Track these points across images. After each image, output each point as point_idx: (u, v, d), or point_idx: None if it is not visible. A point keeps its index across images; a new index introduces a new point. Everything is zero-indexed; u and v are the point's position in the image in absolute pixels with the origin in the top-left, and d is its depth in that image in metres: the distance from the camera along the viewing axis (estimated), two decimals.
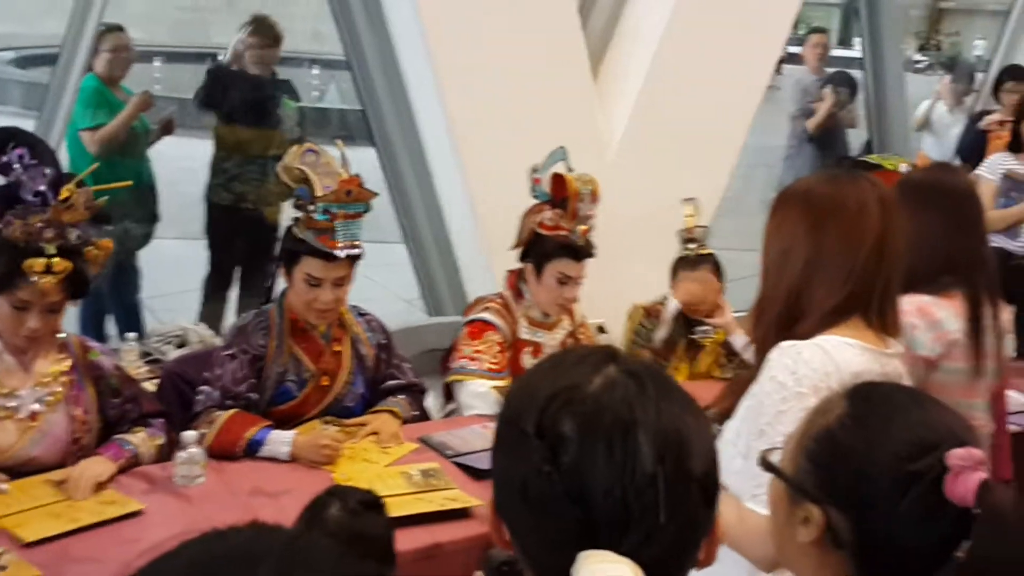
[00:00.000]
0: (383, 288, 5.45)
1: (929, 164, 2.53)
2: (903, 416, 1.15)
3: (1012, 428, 2.78)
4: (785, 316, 1.73)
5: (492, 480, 0.95)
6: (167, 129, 4.45)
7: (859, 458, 1.12)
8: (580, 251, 2.94)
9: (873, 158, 3.32)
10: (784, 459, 1.20)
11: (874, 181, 1.79)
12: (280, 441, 2.50)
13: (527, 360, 3.00)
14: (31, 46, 12.59)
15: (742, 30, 4.23)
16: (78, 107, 4.17)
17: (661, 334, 3.31)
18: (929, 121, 6.19)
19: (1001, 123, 5.11)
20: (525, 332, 3.03)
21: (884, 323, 1.73)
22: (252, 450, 2.49)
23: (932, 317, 2.32)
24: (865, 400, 1.19)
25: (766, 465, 1.20)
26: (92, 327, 4.24)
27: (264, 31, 4.52)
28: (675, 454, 0.88)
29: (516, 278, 3.05)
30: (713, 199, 4.42)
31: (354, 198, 2.57)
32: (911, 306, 2.31)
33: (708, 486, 0.91)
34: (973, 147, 5.30)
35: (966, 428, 1.15)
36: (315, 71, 11.08)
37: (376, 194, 2.66)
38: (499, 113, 3.88)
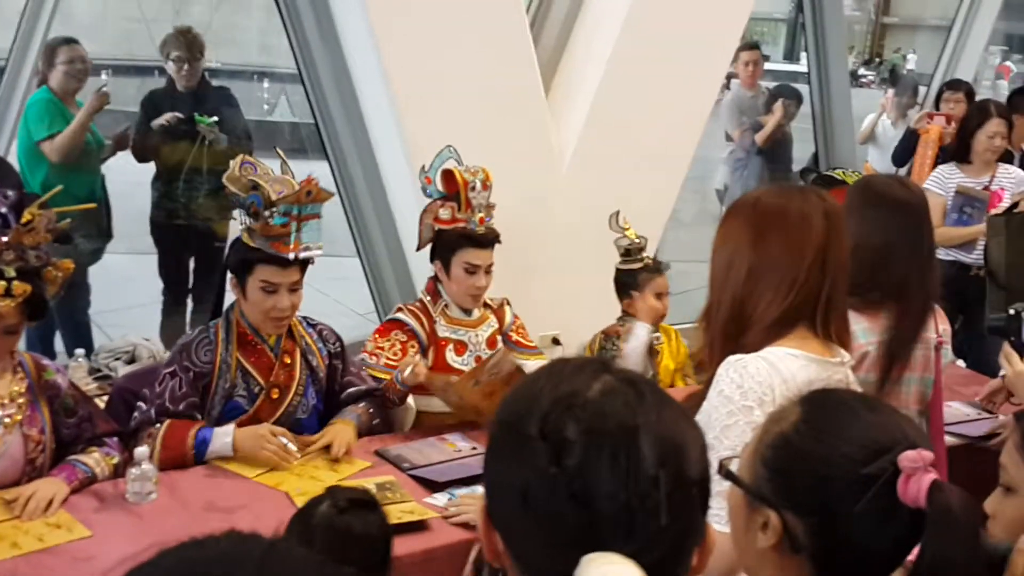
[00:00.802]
0: (336, 303, 5.42)
1: (885, 175, 2.59)
2: (857, 420, 1.17)
3: (949, 440, 2.81)
4: (731, 325, 1.76)
5: (484, 489, 0.95)
6: (121, 144, 4.41)
7: (815, 462, 1.15)
8: (481, 239, 2.99)
9: (838, 173, 3.40)
10: (742, 467, 1.22)
11: (821, 194, 1.82)
12: (222, 433, 2.52)
13: (451, 357, 3.06)
14: None
15: (691, 44, 4.29)
16: (30, 120, 4.13)
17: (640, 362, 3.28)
18: (874, 134, 6.32)
19: (930, 116, 5.25)
20: (445, 330, 3.07)
21: (830, 332, 1.75)
22: (200, 453, 2.49)
23: None
24: (819, 406, 1.21)
25: (724, 473, 1.22)
26: (40, 344, 4.17)
27: (183, 44, 4.48)
28: (675, 459, 0.90)
29: (435, 281, 3.11)
30: (664, 211, 4.47)
31: (313, 198, 2.59)
32: None
33: (704, 491, 0.93)
34: (905, 148, 5.48)
35: (918, 431, 1.19)
36: (265, 84, 11.01)
37: (332, 194, 2.70)
38: (452, 126, 3.88)
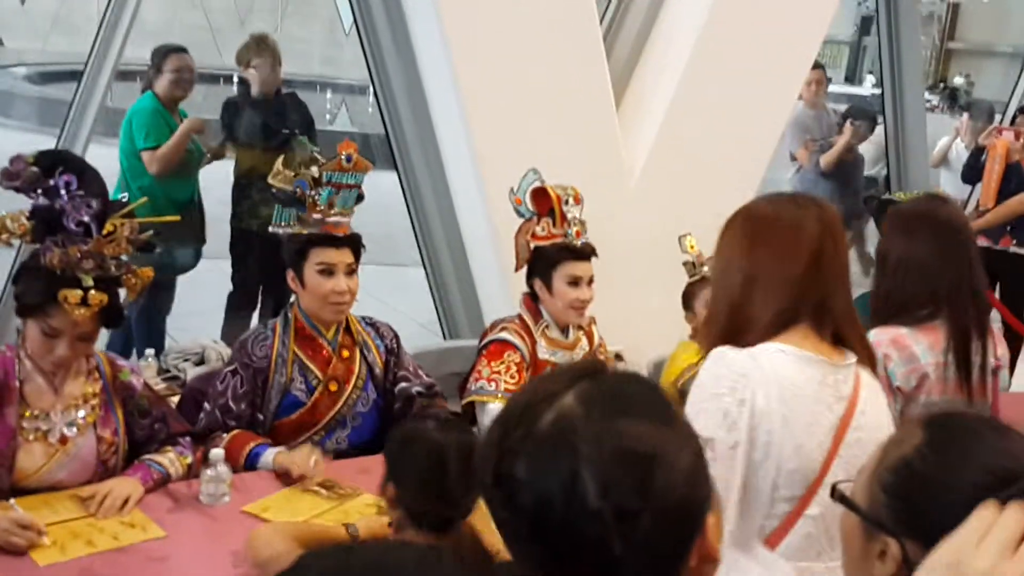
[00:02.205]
0: (395, 311, 5.42)
1: (920, 195, 2.53)
2: (983, 445, 1.12)
3: None
4: (728, 330, 1.78)
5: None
6: (218, 155, 4.50)
7: (938, 488, 1.09)
8: (581, 251, 2.94)
9: (897, 195, 3.33)
10: (857, 491, 1.17)
11: (818, 202, 1.85)
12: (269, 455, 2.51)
13: None
14: (44, 62, 12.63)
15: (765, 63, 4.24)
16: (134, 128, 4.20)
17: None
18: (947, 158, 6.21)
19: (999, 131, 5.17)
20: (544, 352, 3.00)
21: (836, 334, 1.78)
22: (251, 463, 2.50)
23: (908, 350, 2.34)
24: (943, 428, 1.16)
25: (839, 497, 1.17)
26: (119, 343, 4.24)
27: (264, 52, 4.52)
28: (625, 482, 0.87)
29: (531, 299, 3.04)
30: None
31: (353, 166, 2.63)
32: (887, 336, 2.34)
33: (678, 499, 0.89)
34: (973, 166, 5.46)
35: None
36: (328, 95, 11.15)
37: (372, 164, 2.72)
38: (522, 140, 3.87)
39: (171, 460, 2.38)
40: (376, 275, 5.17)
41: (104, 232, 2.21)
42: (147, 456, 2.37)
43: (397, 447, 1.83)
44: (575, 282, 2.91)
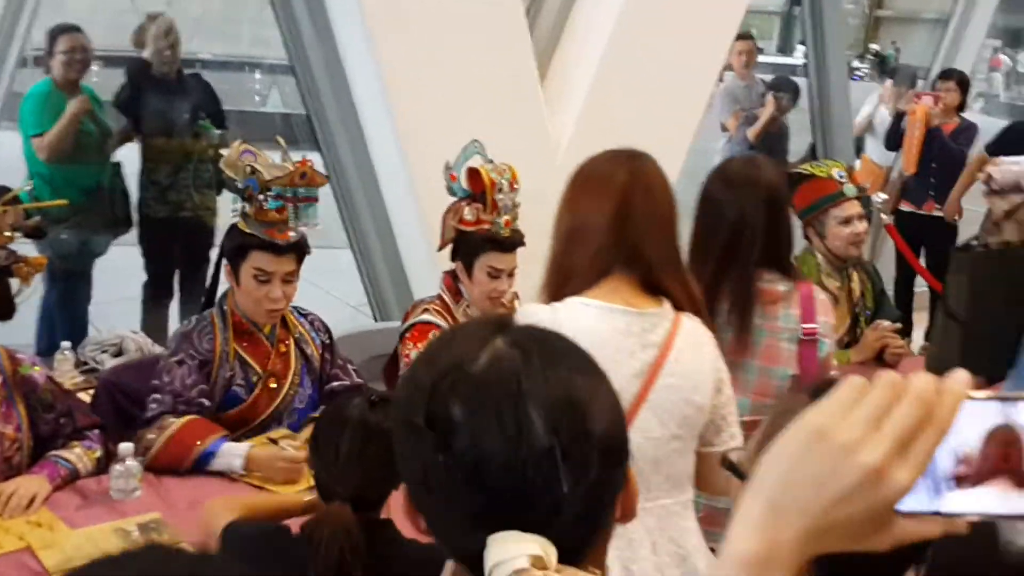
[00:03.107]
0: (328, 294, 5.36)
1: (742, 156, 2.52)
2: None
3: None
4: (552, 285, 1.87)
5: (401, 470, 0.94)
6: (126, 138, 4.35)
7: None
8: (506, 242, 2.87)
9: (805, 167, 3.34)
10: (745, 460, 1.17)
11: (636, 156, 1.90)
12: (234, 454, 2.40)
13: None
14: None
15: (688, 35, 4.24)
16: (25, 114, 4.07)
17: None
18: (872, 125, 6.29)
19: (917, 97, 5.25)
20: None
21: (657, 284, 1.84)
22: (203, 462, 2.39)
23: None
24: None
25: (727, 465, 1.17)
26: (44, 335, 4.13)
27: (159, 33, 4.37)
28: (570, 421, 0.86)
29: (452, 278, 3.01)
30: None
31: (307, 182, 2.53)
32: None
33: (612, 445, 0.90)
34: (895, 132, 5.56)
35: None
36: (257, 75, 10.95)
37: (328, 177, 2.63)
38: (446, 117, 3.83)
39: (78, 455, 2.31)
40: (308, 258, 5.10)
41: None
42: (53, 452, 2.30)
43: (323, 423, 1.84)
44: (496, 274, 2.86)
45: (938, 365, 2.66)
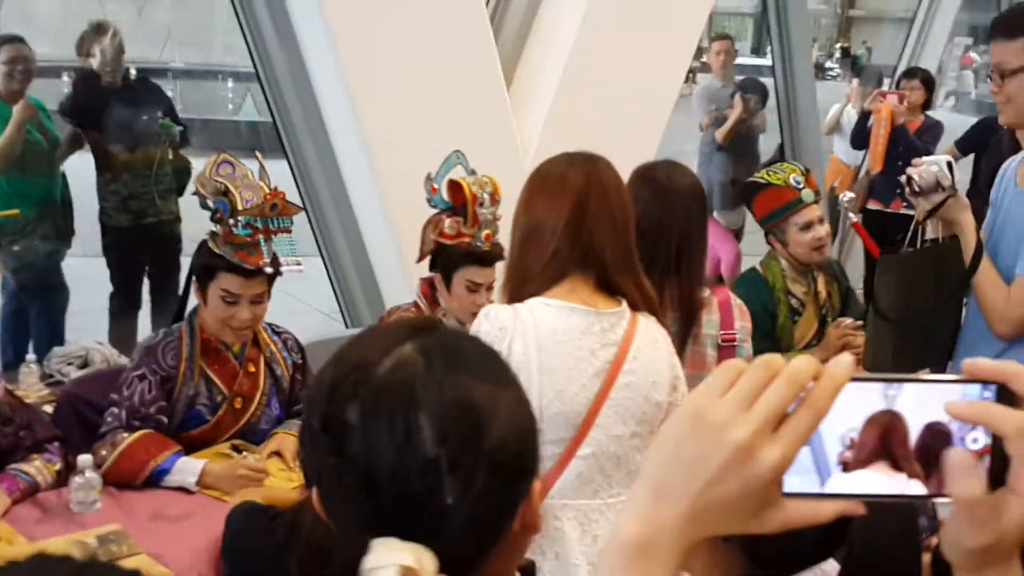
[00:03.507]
0: (300, 302, 5.35)
1: (663, 161, 2.53)
2: None
3: None
4: (511, 286, 1.91)
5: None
6: (75, 144, 4.30)
7: None
8: (486, 257, 2.85)
9: (762, 175, 3.34)
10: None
11: (592, 160, 1.93)
12: (188, 471, 2.39)
13: None
14: None
15: (653, 37, 4.26)
16: None
17: None
18: (839, 124, 6.34)
19: (882, 95, 5.30)
20: None
21: (614, 285, 1.88)
22: (156, 479, 2.37)
23: None
24: None
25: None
26: (11, 350, 4.10)
27: (103, 39, 4.32)
28: (460, 430, 0.86)
29: (429, 285, 2.99)
30: None
31: (278, 212, 2.50)
32: None
33: (507, 457, 0.88)
34: (861, 130, 5.60)
35: None
36: (229, 84, 10.92)
37: (301, 208, 2.59)
38: (413, 122, 3.84)
39: (38, 468, 2.30)
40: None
41: None
42: (12, 466, 2.29)
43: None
44: (474, 288, 2.84)
45: (873, 367, 2.68)
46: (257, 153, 2.66)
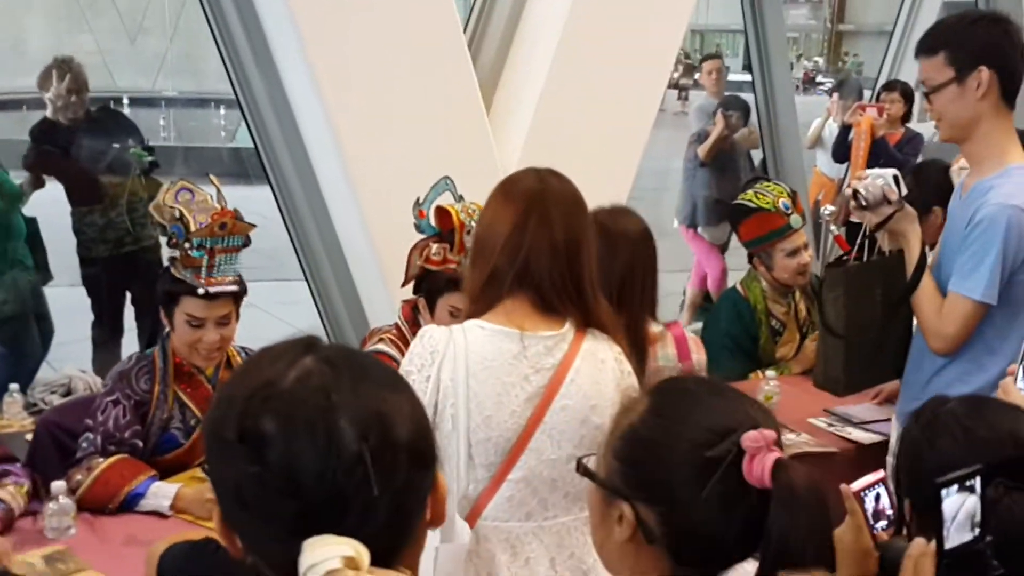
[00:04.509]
0: (285, 324, 5.39)
1: (612, 207, 2.56)
2: (700, 405, 1.18)
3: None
4: (467, 306, 1.90)
5: (214, 490, 0.97)
6: (37, 183, 4.32)
7: (661, 450, 1.15)
8: None
9: (750, 198, 3.35)
10: (597, 462, 1.22)
11: (544, 176, 1.93)
12: (161, 495, 2.41)
13: None
14: None
15: (630, 58, 4.30)
16: None
17: None
18: (821, 138, 6.39)
19: (862, 108, 5.35)
20: None
21: (554, 306, 1.84)
22: (130, 504, 2.39)
23: None
24: (664, 394, 1.22)
25: (582, 470, 1.22)
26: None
27: (65, 75, 4.33)
28: (378, 429, 0.92)
29: (411, 308, 3.01)
30: None
31: (229, 231, 2.53)
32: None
33: (419, 450, 0.95)
34: (842, 144, 5.62)
35: (763, 412, 1.19)
36: (222, 111, 11.01)
37: (253, 226, 2.60)
38: (393, 147, 3.88)
39: (11, 494, 2.31)
40: (265, 290, 5.11)
41: None
42: None
43: None
44: (457, 313, 2.77)
45: (824, 382, 2.70)
46: (211, 176, 2.69)
